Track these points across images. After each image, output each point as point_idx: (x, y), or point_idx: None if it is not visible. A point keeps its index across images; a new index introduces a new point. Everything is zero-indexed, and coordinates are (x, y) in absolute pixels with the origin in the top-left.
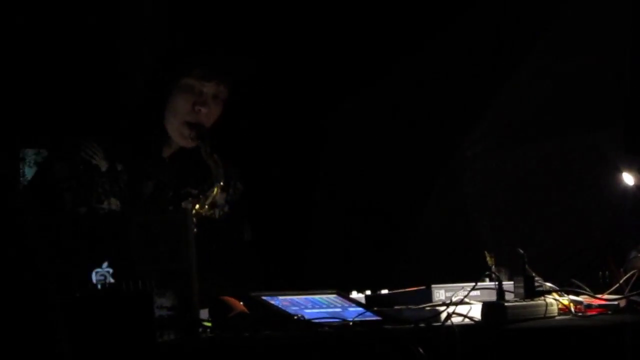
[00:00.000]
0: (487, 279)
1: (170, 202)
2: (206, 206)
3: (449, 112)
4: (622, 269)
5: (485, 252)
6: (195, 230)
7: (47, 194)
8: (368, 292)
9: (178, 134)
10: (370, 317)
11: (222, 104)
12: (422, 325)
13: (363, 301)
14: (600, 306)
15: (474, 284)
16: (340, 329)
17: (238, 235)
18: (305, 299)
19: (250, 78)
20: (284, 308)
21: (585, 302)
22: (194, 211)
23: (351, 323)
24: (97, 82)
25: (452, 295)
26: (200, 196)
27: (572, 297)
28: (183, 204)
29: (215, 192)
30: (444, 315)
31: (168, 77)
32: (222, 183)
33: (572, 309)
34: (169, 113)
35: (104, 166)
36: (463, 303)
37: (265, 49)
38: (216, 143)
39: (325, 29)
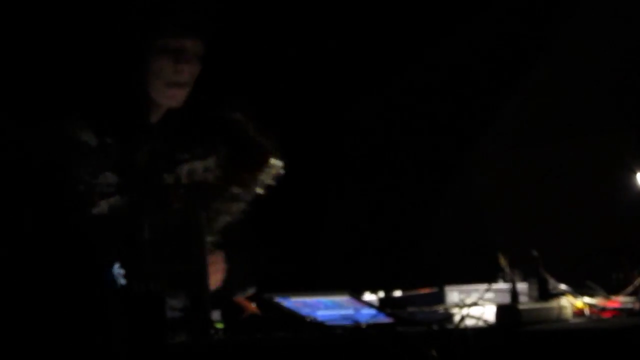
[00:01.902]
0: (501, 281)
1: (166, 169)
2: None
3: (463, 112)
4: (636, 271)
5: (499, 254)
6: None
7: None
8: (381, 294)
9: (164, 97)
10: (383, 319)
11: (199, 60)
12: (435, 327)
13: (376, 303)
14: (614, 309)
15: (487, 285)
16: (352, 331)
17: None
18: (318, 300)
19: (221, 27)
20: (296, 310)
21: (599, 305)
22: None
23: (364, 325)
24: (68, 56)
25: (466, 297)
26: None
27: (586, 299)
28: (178, 170)
29: (271, 164)
30: (457, 318)
31: (141, 39)
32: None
33: (587, 311)
34: (151, 77)
35: (93, 141)
36: (476, 305)
37: (279, 54)
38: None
39: (340, 26)
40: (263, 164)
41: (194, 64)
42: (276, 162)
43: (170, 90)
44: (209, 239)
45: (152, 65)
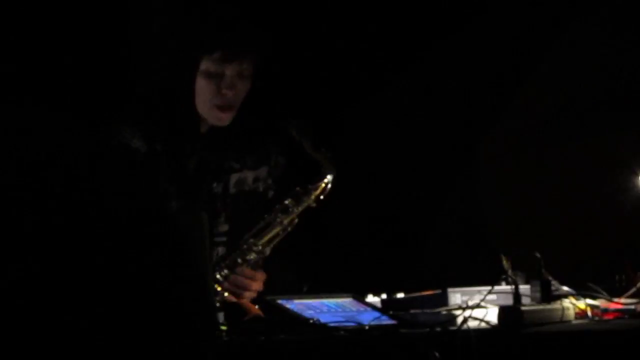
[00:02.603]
0: (504, 283)
1: (215, 178)
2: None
3: (466, 114)
4: (639, 273)
5: (502, 256)
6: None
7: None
8: (384, 296)
9: (210, 117)
10: (385, 321)
11: (249, 79)
12: (438, 329)
13: (378, 305)
14: (617, 310)
15: (490, 287)
16: (355, 333)
17: None
18: (321, 302)
19: (272, 50)
20: (299, 312)
21: (602, 306)
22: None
23: (367, 327)
24: (117, 70)
25: (468, 299)
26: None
27: (588, 301)
28: (227, 179)
29: (324, 185)
30: (460, 319)
31: (187, 61)
32: (332, 176)
33: (589, 313)
34: (197, 98)
35: (143, 148)
36: (479, 307)
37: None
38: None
39: (342, 26)
40: (318, 180)
41: (240, 86)
42: (329, 178)
43: (214, 112)
44: (256, 248)
45: (198, 88)
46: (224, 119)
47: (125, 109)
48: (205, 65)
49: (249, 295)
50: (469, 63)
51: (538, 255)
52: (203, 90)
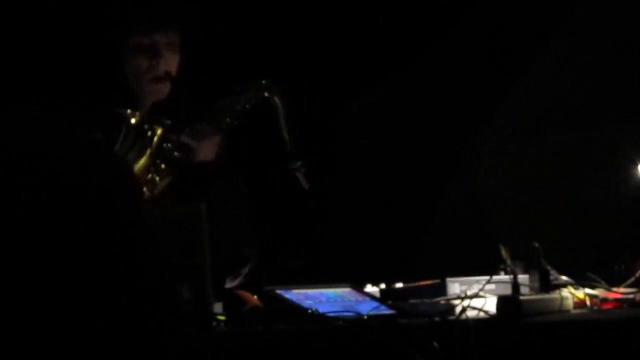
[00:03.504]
0: (502, 273)
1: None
2: None
3: (464, 104)
4: (637, 263)
5: (500, 246)
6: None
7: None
8: (382, 286)
9: (147, 93)
10: (384, 311)
11: (177, 51)
12: (437, 319)
13: (377, 295)
14: (616, 300)
15: (489, 277)
16: (354, 323)
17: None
18: (320, 292)
19: (196, 19)
20: (298, 302)
21: (600, 296)
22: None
23: (365, 317)
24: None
25: (467, 289)
26: None
27: (587, 290)
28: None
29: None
30: (458, 309)
31: (116, 39)
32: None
33: (588, 303)
34: (131, 77)
35: (99, 134)
36: (478, 296)
37: (281, 49)
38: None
39: (340, 21)
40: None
41: (170, 56)
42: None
43: (151, 85)
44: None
45: (130, 63)
46: (161, 90)
47: (64, 97)
48: (133, 40)
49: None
50: (469, 53)
51: (537, 244)
52: (135, 66)
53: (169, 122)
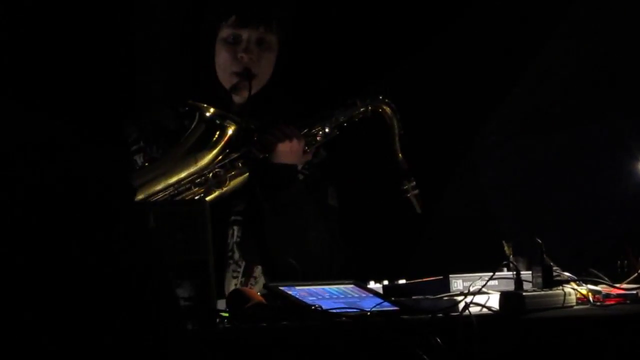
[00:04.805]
0: (505, 269)
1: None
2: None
3: (466, 101)
4: None
5: (503, 242)
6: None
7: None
8: (385, 282)
9: (231, 88)
10: (387, 307)
11: (272, 52)
12: (440, 315)
13: (380, 291)
14: (618, 295)
15: (491, 273)
16: (357, 319)
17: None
18: (323, 289)
19: (294, 20)
20: (301, 298)
21: (603, 292)
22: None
23: (369, 313)
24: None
25: (470, 285)
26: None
27: (590, 286)
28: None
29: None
30: (461, 305)
31: (204, 30)
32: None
33: (591, 299)
34: (218, 70)
35: (172, 125)
36: (481, 293)
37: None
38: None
39: (341, 17)
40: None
41: (258, 52)
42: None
43: (232, 79)
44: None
45: (217, 57)
46: (240, 87)
47: (161, 87)
48: (222, 33)
49: (286, 151)
50: (470, 49)
51: (539, 241)
52: (223, 59)
53: (244, 120)
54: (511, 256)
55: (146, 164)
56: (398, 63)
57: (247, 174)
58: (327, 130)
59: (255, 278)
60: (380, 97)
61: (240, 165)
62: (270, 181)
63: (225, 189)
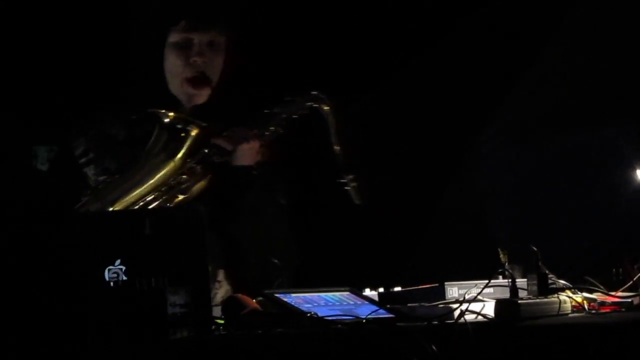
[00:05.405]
0: (501, 276)
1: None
2: None
3: (463, 108)
4: (636, 267)
5: (499, 249)
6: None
7: (69, 174)
8: (381, 290)
9: (183, 95)
10: (383, 314)
11: (222, 53)
12: (435, 322)
13: (376, 298)
14: (614, 303)
15: (487, 281)
16: (353, 327)
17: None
18: (319, 296)
19: (245, 19)
20: (297, 305)
21: (599, 300)
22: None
23: (364, 320)
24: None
25: (465, 293)
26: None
27: (585, 294)
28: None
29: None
30: (457, 313)
31: (155, 36)
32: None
33: (586, 307)
34: (168, 75)
35: (121, 135)
36: (476, 300)
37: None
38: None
39: (340, 22)
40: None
41: (210, 55)
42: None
43: (185, 87)
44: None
45: (167, 62)
46: (196, 94)
47: (105, 95)
48: (172, 37)
49: (242, 154)
50: (469, 55)
51: (535, 248)
52: (173, 65)
53: (204, 124)
54: (507, 264)
55: (116, 176)
56: (394, 70)
57: (208, 178)
58: (272, 128)
59: (219, 282)
60: (315, 93)
61: (200, 170)
62: (231, 184)
63: (189, 194)
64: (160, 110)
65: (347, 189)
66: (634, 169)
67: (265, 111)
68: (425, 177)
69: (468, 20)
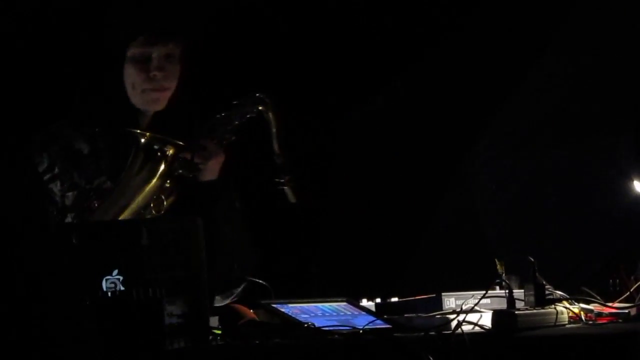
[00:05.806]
0: (498, 287)
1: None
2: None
3: (459, 117)
4: (632, 277)
5: (496, 260)
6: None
7: (34, 191)
8: (378, 300)
9: (143, 103)
10: (380, 325)
11: (178, 62)
12: (433, 333)
13: (373, 309)
14: (610, 314)
15: (484, 291)
16: (350, 337)
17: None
18: (315, 306)
19: (200, 28)
20: (294, 316)
21: (595, 310)
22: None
23: (361, 331)
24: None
25: (463, 303)
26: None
27: (582, 305)
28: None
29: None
30: (454, 323)
31: (114, 51)
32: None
33: (583, 317)
34: (128, 88)
35: (85, 149)
36: (473, 311)
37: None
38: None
39: (338, 27)
40: None
41: (170, 67)
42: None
43: (146, 94)
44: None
45: (127, 76)
46: (159, 99)
47: (67, 109)
48: (130, 51)
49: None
50: (465, 65)
51: (532, 259)
52: (133, 78)
53: (180, 143)
54: (504, 274)
55: (103, 202)
56: (390, 80)
57: (175, 195)
58: (227, 135)
59: None
60: (258, 95)
61: (169, 186)
62: (202, 199)
63: (161, 211)
64: (135, 130)
65: (283, 189)
66: (631, 180)
67: (218, 116)
68: (422, 188)
69: (464, 30)
